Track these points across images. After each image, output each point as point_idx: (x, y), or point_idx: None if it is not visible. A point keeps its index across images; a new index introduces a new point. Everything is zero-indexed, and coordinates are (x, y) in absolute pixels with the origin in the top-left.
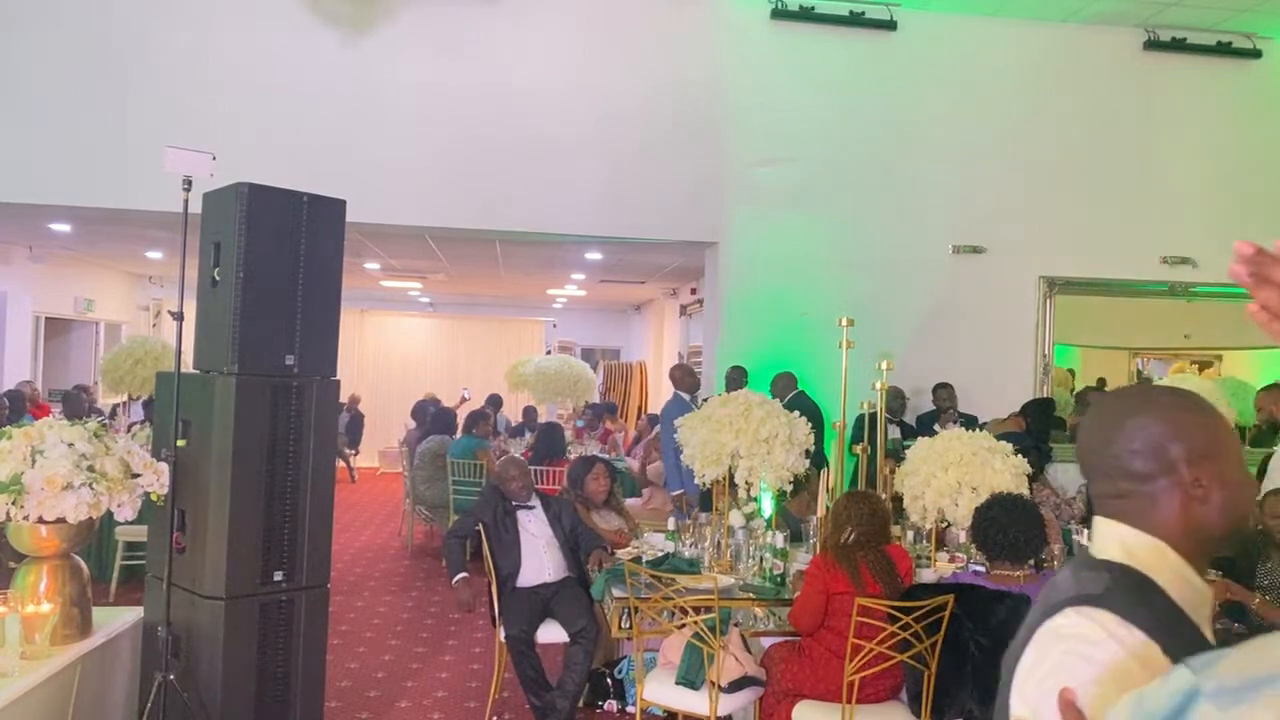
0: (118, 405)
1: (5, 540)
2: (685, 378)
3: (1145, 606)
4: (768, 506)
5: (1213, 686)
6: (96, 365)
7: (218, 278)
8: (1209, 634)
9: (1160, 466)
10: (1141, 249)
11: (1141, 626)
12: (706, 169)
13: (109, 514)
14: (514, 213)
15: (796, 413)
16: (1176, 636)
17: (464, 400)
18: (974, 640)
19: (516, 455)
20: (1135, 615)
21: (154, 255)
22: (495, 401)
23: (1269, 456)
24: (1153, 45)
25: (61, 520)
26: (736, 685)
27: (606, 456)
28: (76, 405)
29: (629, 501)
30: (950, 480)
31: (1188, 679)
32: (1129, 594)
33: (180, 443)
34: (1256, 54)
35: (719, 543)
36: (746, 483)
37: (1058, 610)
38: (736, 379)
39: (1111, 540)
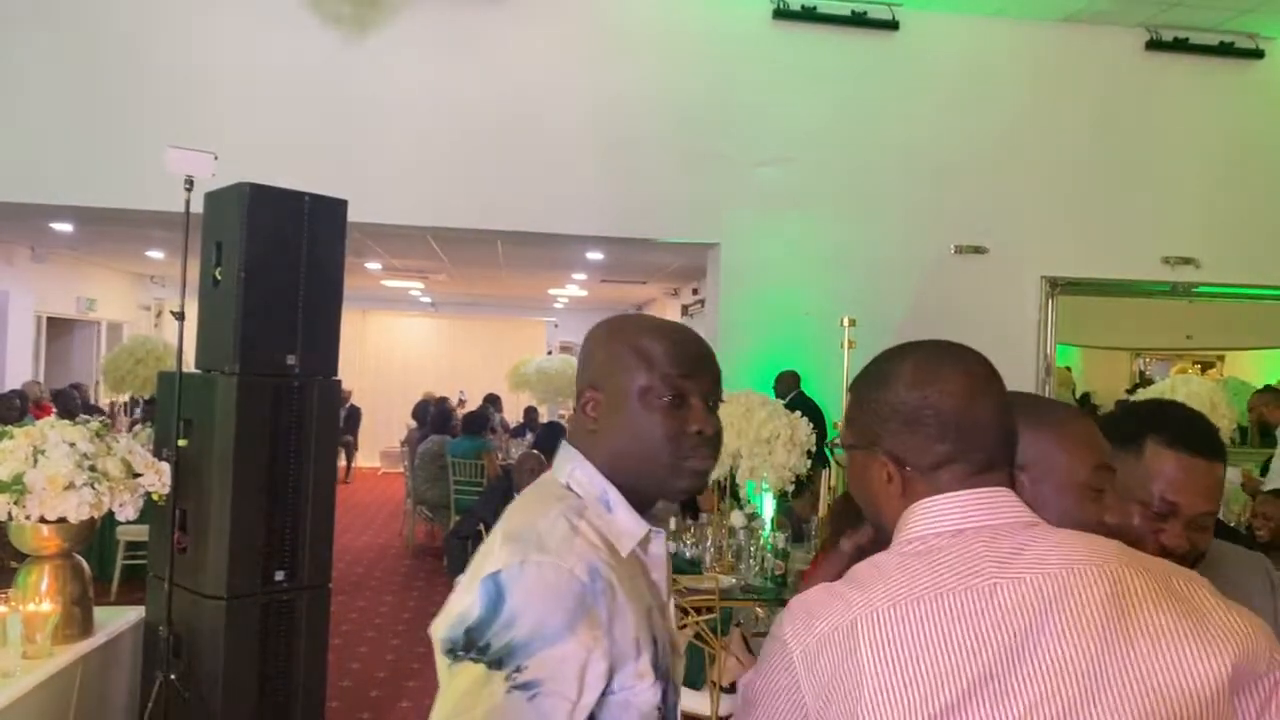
0: (120, 405)
1: (7, 540)
2: None
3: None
4: (768, 507)
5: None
6: (98, 365)
7: (219, 277)
8: None
9: None
10: (1143, 249)
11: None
12: (708, 169)
13: (110, 514)
14: (515, 212)
15: (798, 413)
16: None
17: (461, 403)
18: None
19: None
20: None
21: (156, 255)
22: (494, 401)
23: (1270, 458)
24: (1155, 45)
25: (63, 520)
26: (738, 686)
27: None
28: (69, 403)
29: None
30: None
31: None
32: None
33: (182, 442)
34: (1259, 54)
35: (720, 543)
36: (748, 482)
37: None
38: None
39: None
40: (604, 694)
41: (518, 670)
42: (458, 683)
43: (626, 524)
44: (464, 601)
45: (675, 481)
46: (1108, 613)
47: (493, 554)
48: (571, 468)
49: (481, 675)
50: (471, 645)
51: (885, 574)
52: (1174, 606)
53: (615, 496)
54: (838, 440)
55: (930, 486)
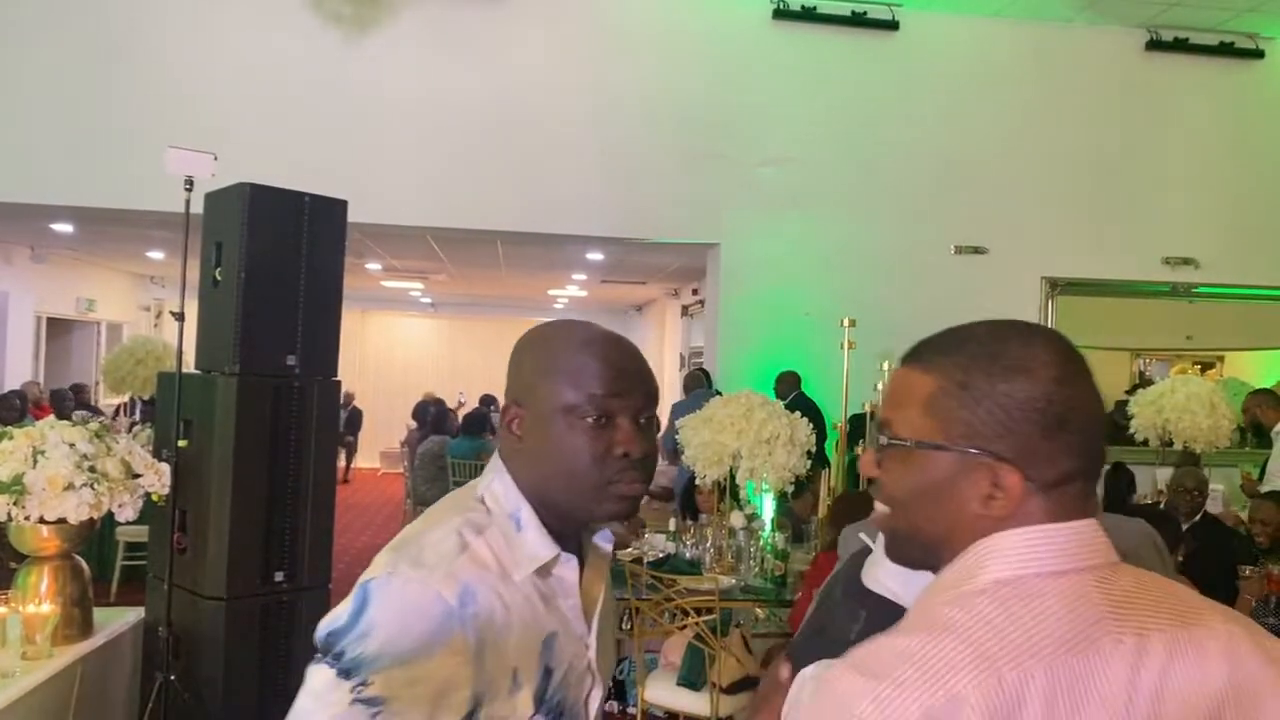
0: (120, 405)
1: (6, 540)
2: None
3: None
4: (768, 508)
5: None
6: (98, 365)
7: (219, 278)
8: None
9: None
10: (1143, 250)
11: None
12: (708, 169)
13: (110, 514)
14: (515, 212)
15: (798, 413)
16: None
17: (460, 404)
18: None
19: None
20: None
21: (155, 255)
22: (491, 402)
23: (1265, 461)
24: (1155, 45)
25: (62, 521)
26: (738, 686)
27: None
28: (62, 403)
29: None
30: None
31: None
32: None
33: (182, 443)
34: (1259, 54)
35: (720, 544)
36: (748, 483)
37: None
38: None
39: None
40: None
41: (363, 684)
42: (311, 683)
43: (533, 546)
44: (342, 604)
45: (602, 506)
46: (1227, 674)
47: (377, 559)
48: (491, 480)
49: (331, 680)
50: (329, 649)
51: (990, 623)
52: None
53: (528, 516)
54: (885, 433)
55: (1046, 508)
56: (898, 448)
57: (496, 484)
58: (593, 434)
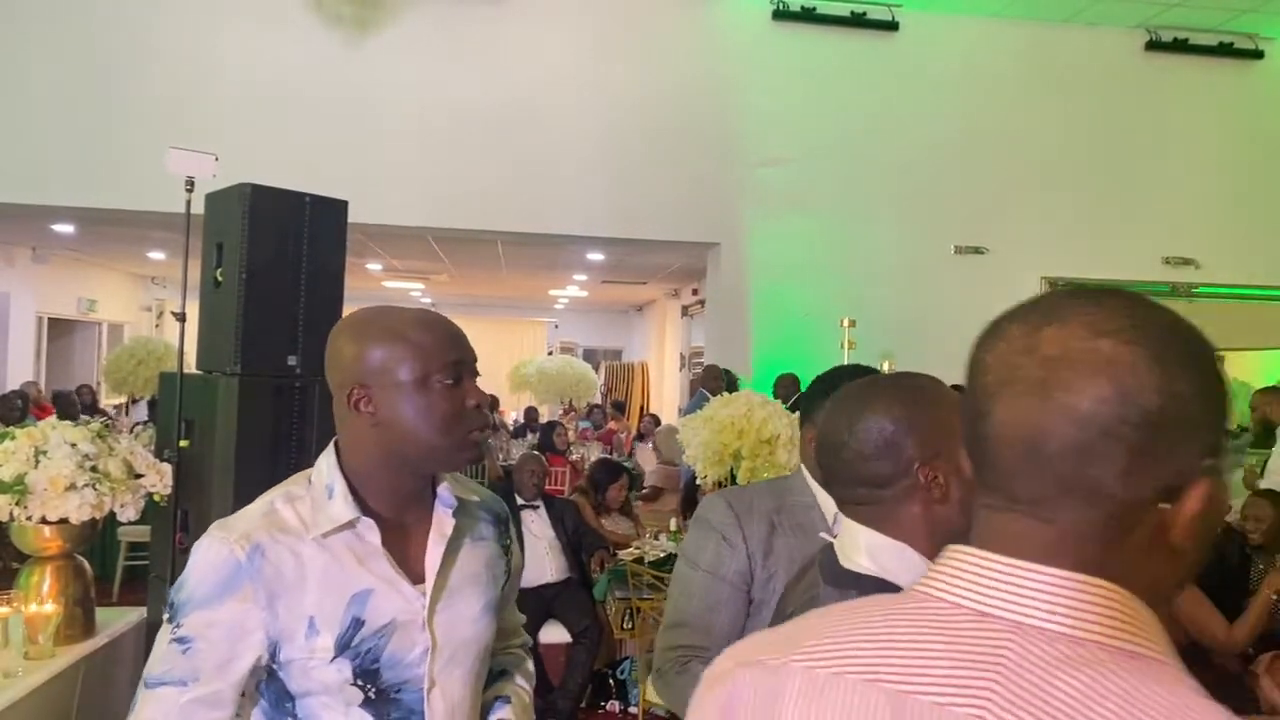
0: (120, 406)
1: (8, 541)
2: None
3: None
4: None
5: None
6: (99, 366)
7: (220, 278)
8: None
9: (895, 469)
10: (1143, 250)
11: None
12: (708, 169)
13: (112, 515)
14: (516, 213)
15: (798, 414)
16: None
17: None
18: None
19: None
20: None
21: (157, 256)
22: (492, 404)
23: (1268, 458)
24: (1155, 46)
25: (64, 521)
26: None
27: (613, 457)
28: (68, 406)
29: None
30: None
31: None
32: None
33: (183, 443)
34: (1259, 55)
35: None
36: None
37: None
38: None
39: (857, 547)
40: (277, 660)
41: (178, 626)
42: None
43: (336, 510)
44: None
45: (460, 454)
46: None
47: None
48: (319, 460)
49: (164, 625)
50: (168, 601)
51: None
52: None
53: (340, 488)
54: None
55: None
56: None
57: (322, 462)
58: (449, 394)
